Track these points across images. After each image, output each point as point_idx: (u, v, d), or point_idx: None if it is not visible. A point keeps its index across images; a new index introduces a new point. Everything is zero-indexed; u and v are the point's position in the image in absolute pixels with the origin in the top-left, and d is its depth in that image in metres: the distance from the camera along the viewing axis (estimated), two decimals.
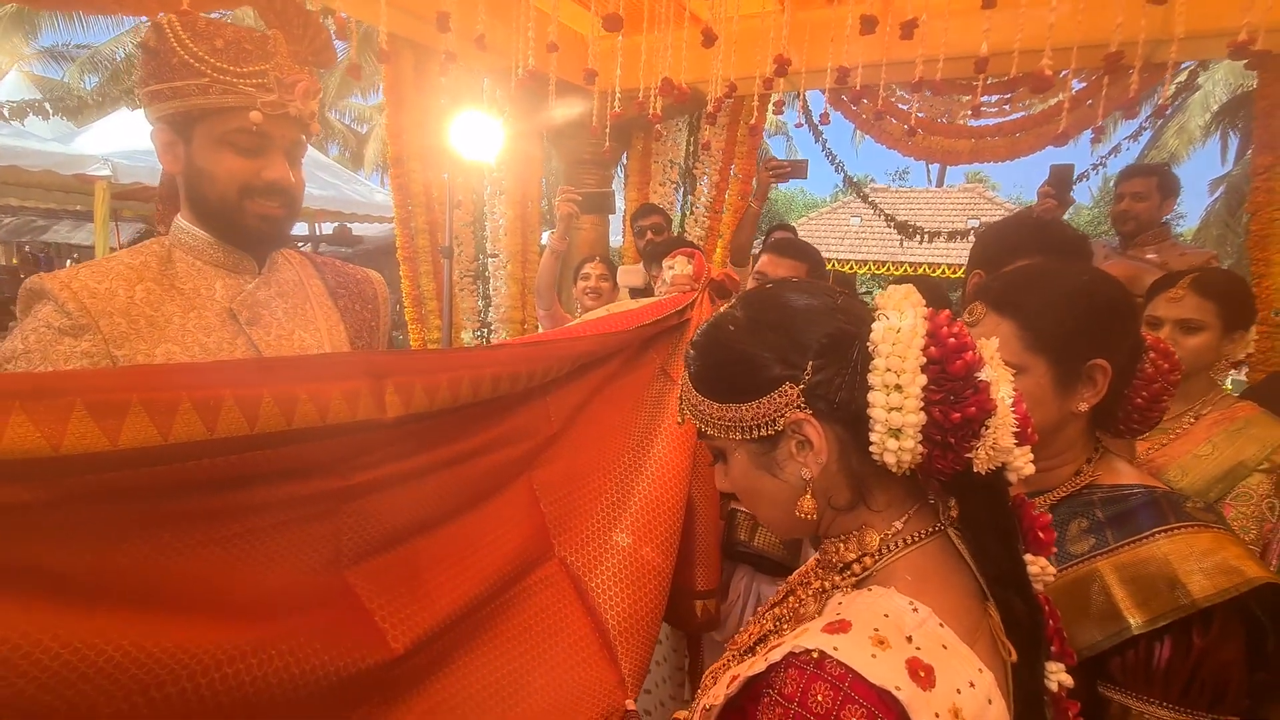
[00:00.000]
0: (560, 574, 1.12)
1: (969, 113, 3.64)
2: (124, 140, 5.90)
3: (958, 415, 0.56)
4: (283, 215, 1.03)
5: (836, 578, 0.64)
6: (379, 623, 0.82)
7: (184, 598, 0.65)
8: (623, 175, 4.32)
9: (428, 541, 0.93)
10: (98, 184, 5.63)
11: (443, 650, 0.91)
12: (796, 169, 2.64)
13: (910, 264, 11.32)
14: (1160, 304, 1.56)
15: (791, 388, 0.61)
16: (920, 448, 0.58)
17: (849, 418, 0.60)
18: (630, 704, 0.90)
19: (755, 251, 2.70)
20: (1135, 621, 0.81)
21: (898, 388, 0.57)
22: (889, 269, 11.74)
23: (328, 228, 8.84)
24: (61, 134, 6.20)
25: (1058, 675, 0.60)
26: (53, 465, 0.54)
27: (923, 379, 0.57)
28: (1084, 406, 0.90)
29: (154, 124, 0.99)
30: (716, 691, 0.59)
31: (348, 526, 0.83)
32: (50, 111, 4.57)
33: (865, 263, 12.26)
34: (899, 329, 0.58)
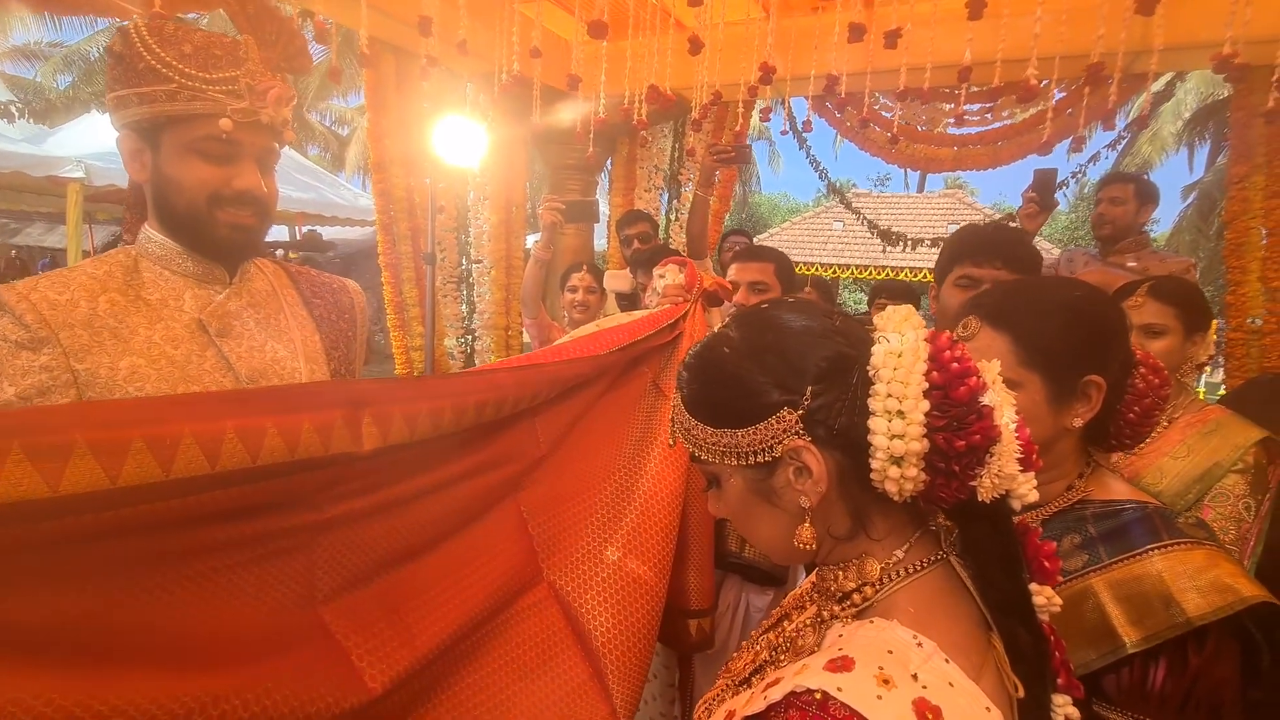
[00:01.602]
0: (548, 599, 1.08)
1: (951, 120, 3.67)
2: (97, 142, 5.74)
3: (962, 443, 0.54)
4: (254, 224, 1.00)
5: (835, 607, 0.61)
6: (355, 661, 0.77)
7: (131, 648, 0.60)
8: (608, 181, 4.29)
9: (408, 573, 0.88)
10: (70, 186, 5.48)
11: (424, 687, 0.86)
12: (740, 153, 2.67)
13: (892, 269, 11.44)
14: None
15: (790, 413, 0.58)
16: (923, 475, 0.56)
17: (849, 444, 0.58)
18: None
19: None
20: (1130, 640, 0.81)
21: (900, 414, 0.55)
22: (871, 274, 11.86)
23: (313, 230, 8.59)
24: (33, 135, 6.04)
25: (1064, 709, 0.58)
26: None
27: (925, 405, 0.55)
28: (1078, 422, 0.90)
29: (120, 130, 0.95)
30: None
31: (322, 560, 0.78)
32: (16, 115, 4.44)
33: (848, 267, 12.38)
34: (900, 353, 0.56)
